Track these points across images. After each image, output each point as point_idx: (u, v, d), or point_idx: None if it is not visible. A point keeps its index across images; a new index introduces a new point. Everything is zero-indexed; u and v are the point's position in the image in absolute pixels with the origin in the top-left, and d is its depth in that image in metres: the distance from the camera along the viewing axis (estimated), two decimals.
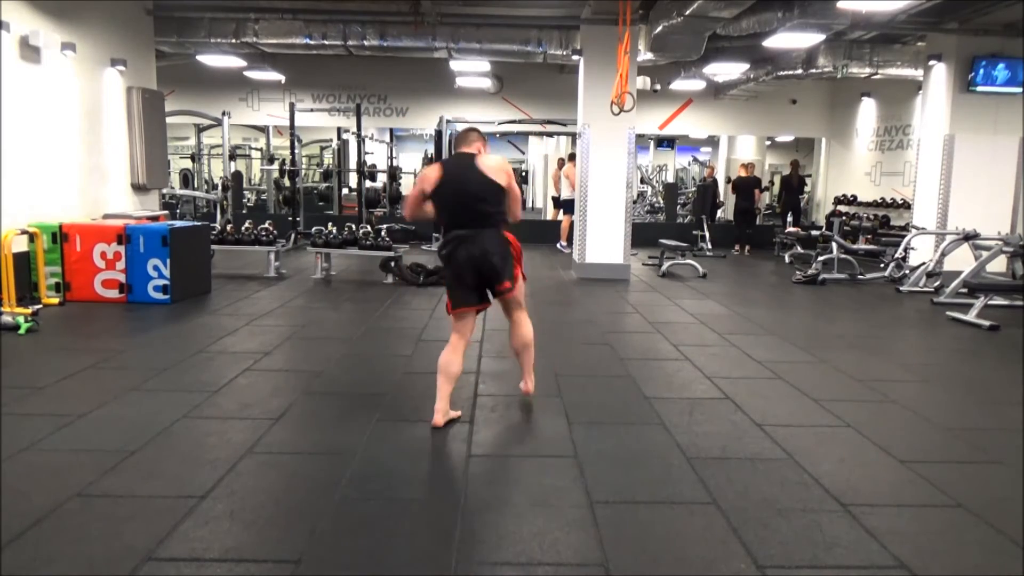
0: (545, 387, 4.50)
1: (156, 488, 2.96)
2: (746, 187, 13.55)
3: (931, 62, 9.83)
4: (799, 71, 11.06)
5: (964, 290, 7.89)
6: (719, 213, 15.73)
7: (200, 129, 14.74)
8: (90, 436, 3.53)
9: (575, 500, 2.94)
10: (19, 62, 6.82)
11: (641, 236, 11.65)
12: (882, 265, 10.22)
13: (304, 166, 17.79)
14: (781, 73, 11.44)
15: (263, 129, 16.16)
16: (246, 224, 9.15)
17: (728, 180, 15.84)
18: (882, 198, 13.30)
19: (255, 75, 13.18)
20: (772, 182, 18.07)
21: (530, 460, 3.44)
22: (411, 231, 12.07)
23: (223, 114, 11.62)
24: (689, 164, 22.43)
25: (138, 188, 8.77)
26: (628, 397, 4.40)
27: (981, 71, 9.44)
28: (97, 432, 3.58)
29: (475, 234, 3.77)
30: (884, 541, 2.65)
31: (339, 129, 15.05)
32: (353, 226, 9.12)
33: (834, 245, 10.40)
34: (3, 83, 6.56)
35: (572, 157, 12.23)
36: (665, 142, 19.97)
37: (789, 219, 14.11)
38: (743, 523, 2.76)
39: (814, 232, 11.24)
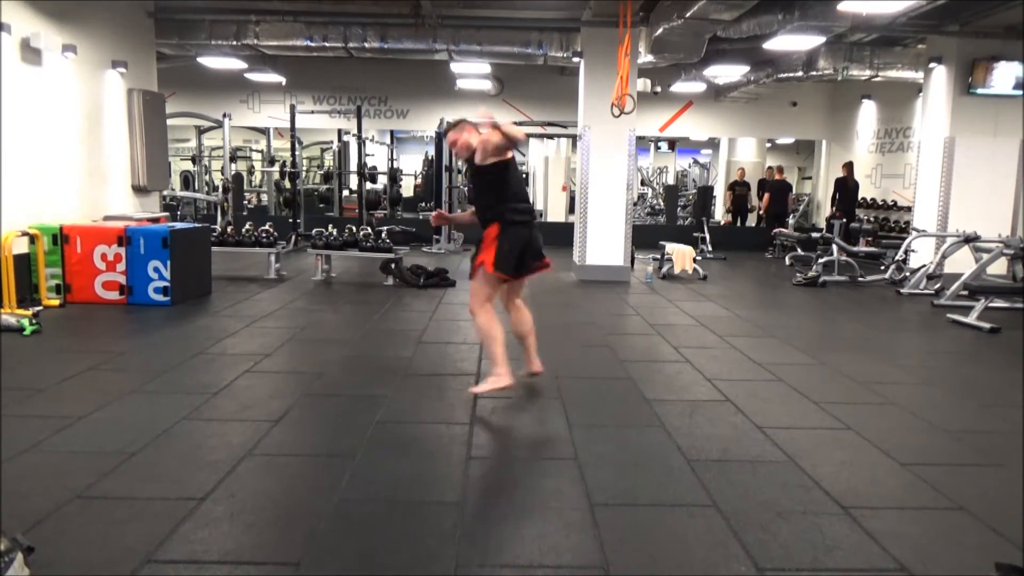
0: (546, 389, 4.50)
1: (156, 490, 2.95)
2: (779, 190, 13.78)
3: (931, 64, 9.84)
4: (799, 73, 11.06)
5: (965, 292, 7.88)
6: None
7: (201, 131, 14.76)
8: (90, 438, 3.53)
9: (575, 502, 2.94)
10: (20, 64, 6.83)
11: (641, 238, 11.65)
12: (883, 267, 10.22)
13: (305, 168, 17.81)
14: (781, 75, 11.45)
15: (264, 131, 16.19)
16: (246, 226, 9.16)
17: (731, 186, 15.87)
18: (883, 200, 13.30)
19: (256, 77, 13.19)
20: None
21: (530, 462, 3.44)
22: (412, 233, 12.08)
23: (224, 116, 11.64)
24: (690, 166, 22.45)
25: (139, 190, 8.78)
26: (628, 399, 4.40)
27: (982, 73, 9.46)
28: (97, 434, 3.58)
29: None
30: (885, 544, 2.65)
31: (340, 131, 15.08)
32: (353, 228, 9.12)
33: (834, 247, 10.41)
34: (4, 85, 6.57)
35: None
36: (664, 144, 20.01)
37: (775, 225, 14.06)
38: (743, 525, 2.76)
39: (814, 234, 11.24)
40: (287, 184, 13.31)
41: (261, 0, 9.68)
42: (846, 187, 12.84)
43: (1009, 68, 9.40)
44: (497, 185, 4.10)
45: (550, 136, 16.85)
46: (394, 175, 15.23)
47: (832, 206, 13.16)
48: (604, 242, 9.61)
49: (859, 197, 13.21)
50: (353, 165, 13.78)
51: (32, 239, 6.80)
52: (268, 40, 9.95)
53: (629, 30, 8.34)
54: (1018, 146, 9.77)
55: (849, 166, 13.04)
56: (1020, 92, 9.45)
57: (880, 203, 13.30)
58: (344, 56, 10.88)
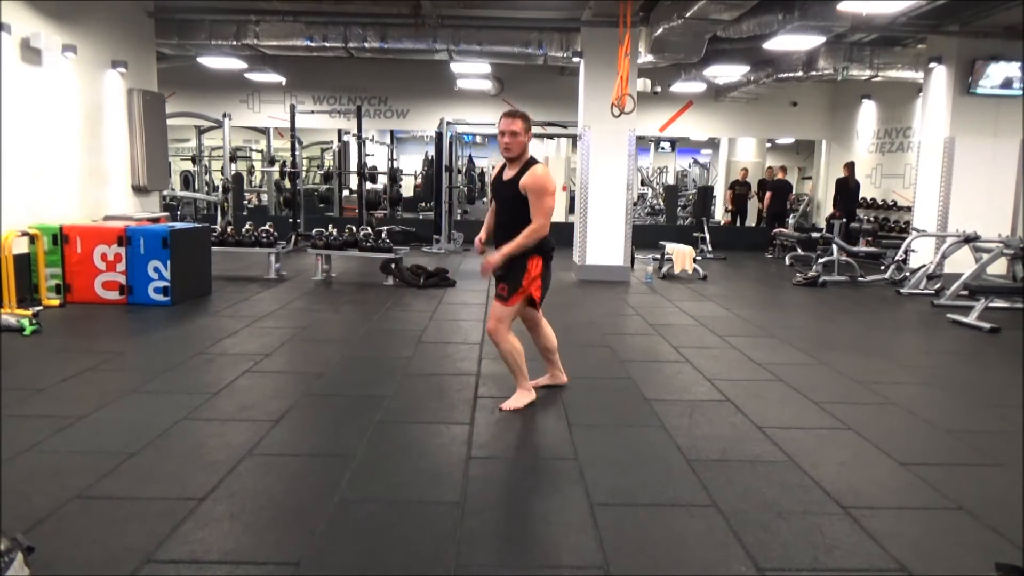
0: (545, 389, 4.50)
1: (156, 490, 2.96)
2: (780, 189, 13.91)
3: (931, 64, 9.84)
4: (799, 73, 11.06)
5: (965, 292, 7.88)
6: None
7: (201, 131, 14.76)
8: (90, 438, 3.53)
9: (575, 502, 2.94)
10: (20, 64, 6.83)
11: (641, 238, 11.65)
12: (883, 267, 10.22)
13: (305, 168, 17.81)
14: (781, 75, 11.44)
15: (264, 131, 16.19)
16: (246, 226, 9.16)
17: (732, 186, 15.88)
18: (883, 200, 13.30)
19: (256, 77, 13.19)
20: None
21: (530, 462, 3.44)
22: (412, 233, 12.07)
23: (224, 116, 11.64)
24: (690, 166, 22.45)
25: (139, 190, 8.78)
26: (628, 399, 4.40)
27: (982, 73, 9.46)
28: (97, 434, 3.58)
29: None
30: (884, 543, 2.65)
31: (340, 131, 15.08)
32: (353, 228, 9.12)
33: (834, 247, 10.40)
34: (4, 85, 6.57)
35: None
36: (664, 143, 20.01)
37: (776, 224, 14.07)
38: (743, 525, 2.76)
39: (814, 234, 11.24)
40: (287, 184, 13.30)
41: (261, 0, 9.68)
42: (847, 187, 12.83)
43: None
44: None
45: (550, 136, 16.86)
46: (394, 175, 15.23)
47: (833, 206, 13.19)
48: (604, 242, 9.61)
49: (859, 197, 13.21)
50: (353, 165, 13.77)
51: (32, 239, 6.81)
52: (268, 40, 9.95)
53: (629, 30, 8.34)
54: (1018, 146, 9.77)
55: (850, 166, 13.03)
56: (1020, 91, 9.45)
57: (880, 203, 13.29)
58: (344, 56, 10.88)
